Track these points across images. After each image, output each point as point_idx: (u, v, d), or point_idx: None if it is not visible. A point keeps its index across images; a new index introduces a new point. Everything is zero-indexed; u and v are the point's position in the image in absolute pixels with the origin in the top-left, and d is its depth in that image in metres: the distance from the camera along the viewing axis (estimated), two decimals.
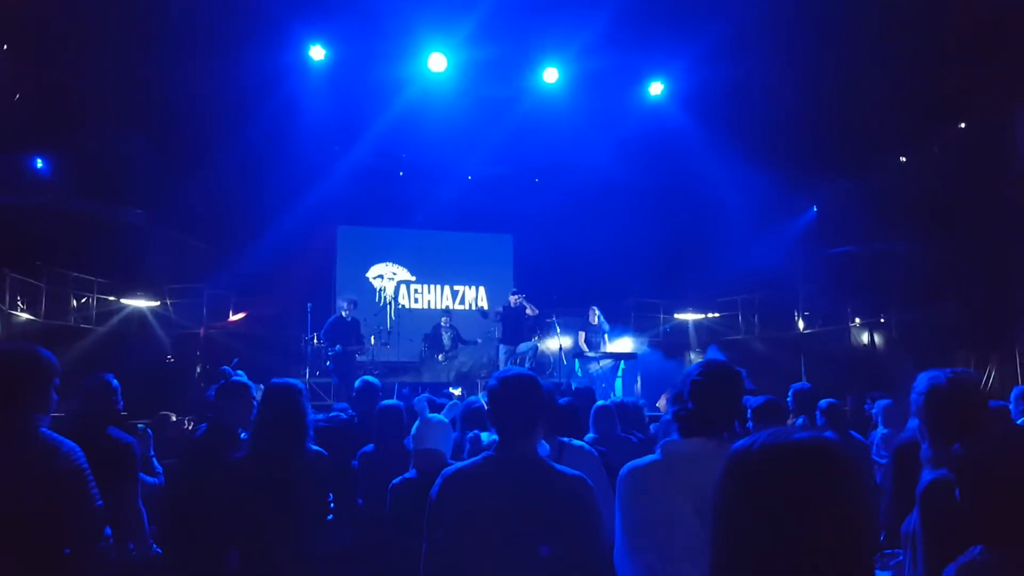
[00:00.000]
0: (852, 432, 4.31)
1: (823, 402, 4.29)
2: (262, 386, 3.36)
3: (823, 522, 0.88)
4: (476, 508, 1.77)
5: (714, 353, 10.26)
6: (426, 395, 3.97)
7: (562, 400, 3.50)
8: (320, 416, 3.82)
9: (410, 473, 2.65)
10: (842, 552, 0.89)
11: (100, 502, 2.14)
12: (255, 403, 3.22)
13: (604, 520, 1.83)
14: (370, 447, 3.40)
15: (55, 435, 2.08)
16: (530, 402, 1.86)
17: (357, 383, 4.50)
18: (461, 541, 1.76)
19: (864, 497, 0.94)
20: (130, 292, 11.35)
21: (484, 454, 1.89)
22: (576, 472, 1.83)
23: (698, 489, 1.04)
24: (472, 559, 1.73)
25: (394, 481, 2.69)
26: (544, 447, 1.90)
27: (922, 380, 1.92)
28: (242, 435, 3.16)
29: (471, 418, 3.11)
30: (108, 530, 2.24)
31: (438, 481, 1.85)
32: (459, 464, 1.92)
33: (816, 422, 4.22)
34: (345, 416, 3.44)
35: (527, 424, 1.85)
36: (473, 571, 1.74)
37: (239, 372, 6.93)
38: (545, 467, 1.83)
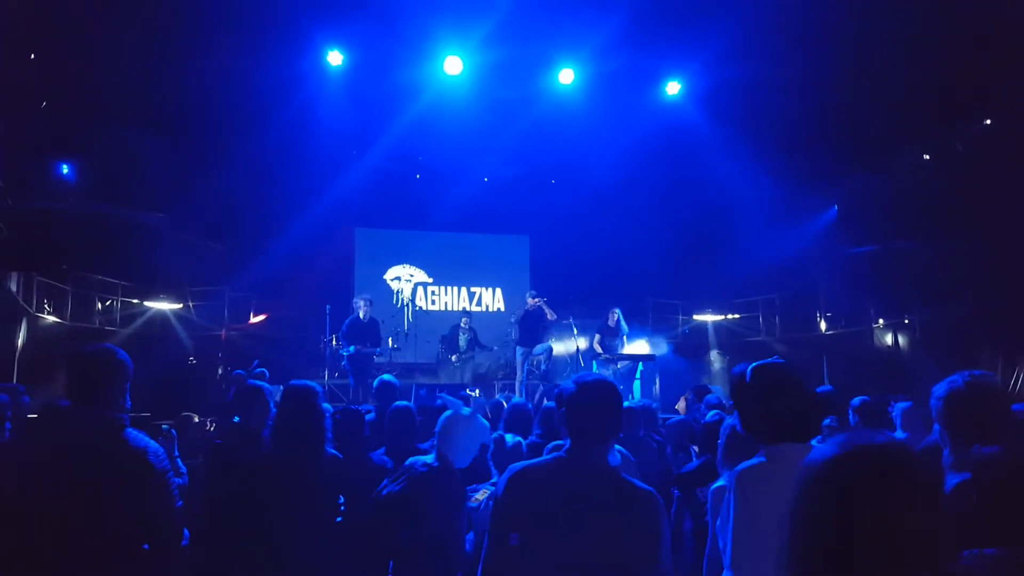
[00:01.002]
0: (893, 435, 4.20)
1: (856, 400, 4.18)
2: (281, 387, 3.40)
3: (898, 528, 0.88)
4: (541, 508, 1.76)
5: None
6: (444, 395, 3.98)
7: None
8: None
9: (430, 460, 2.51)
10: (917, 559, 0.88)
11: (180, 503, 2.20)
12: (271, 404, 3.27)
13: (668, 537, 1.81)
14: (381, 449, 3.39)
15: (141, 435, 2.14)
16: (608, 410, 1.84)
17: (375, 383, 4.53)
18: (524, 540, 1.75)
19: (940, 503, 0.93)
20: (153, 295, 11.56)
21: (555, 455, 1.87)
22: (647, 487, 1.81)
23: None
24: (533, 559, 1.73)
25: (417, 463, 2.55)
26: (616, 456, 1.87)
27: (941, 385, 1.90)
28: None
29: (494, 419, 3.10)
30: (187, 531, 2.28)
31: (505, 476, 1.85)
32: (529, 462, 1.90)
33: (849, 421, 4.15)
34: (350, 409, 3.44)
35: (602, 431, 1.83)
36: (533, 571, 1.73)
37: (261, 370, 7.01)
38: (617, 477, 1.81)
